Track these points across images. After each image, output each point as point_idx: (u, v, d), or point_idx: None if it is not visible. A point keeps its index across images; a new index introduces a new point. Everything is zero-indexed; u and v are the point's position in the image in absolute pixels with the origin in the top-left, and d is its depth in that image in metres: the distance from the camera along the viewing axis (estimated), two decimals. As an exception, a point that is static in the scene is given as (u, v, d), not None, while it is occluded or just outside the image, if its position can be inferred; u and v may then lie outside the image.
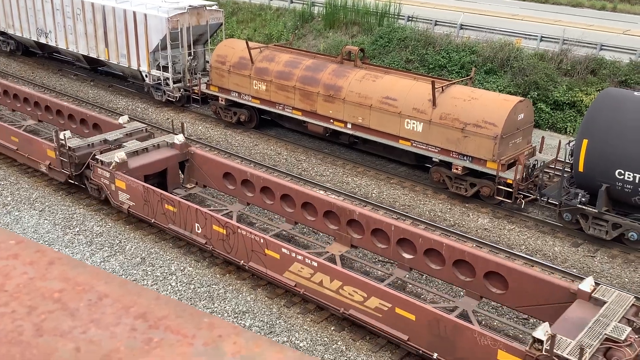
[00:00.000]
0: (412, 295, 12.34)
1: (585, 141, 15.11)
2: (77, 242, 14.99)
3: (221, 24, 25.52)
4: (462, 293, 12.78)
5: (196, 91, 23.72)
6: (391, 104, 18.26)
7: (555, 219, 16.48)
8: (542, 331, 9.07)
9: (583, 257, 15.18)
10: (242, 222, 14.96)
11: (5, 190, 17.56)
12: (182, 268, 14.02)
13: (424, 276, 13.73)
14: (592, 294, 10.45)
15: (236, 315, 12.48)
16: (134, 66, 24.71)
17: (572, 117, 23.13)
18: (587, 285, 10.61)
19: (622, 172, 14.64)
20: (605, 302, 10.25)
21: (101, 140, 16.58)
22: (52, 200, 17.02)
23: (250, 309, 12.66)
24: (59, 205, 16.75)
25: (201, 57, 25.18)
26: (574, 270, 14.58)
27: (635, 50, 24.11)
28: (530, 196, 16.81)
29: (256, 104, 21.85)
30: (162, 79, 24.13)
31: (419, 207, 17.52)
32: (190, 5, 23.79)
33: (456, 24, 28.39)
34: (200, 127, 23.16)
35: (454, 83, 18.25)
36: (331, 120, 19.86)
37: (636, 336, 9.43)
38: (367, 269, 13.95)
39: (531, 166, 17.12)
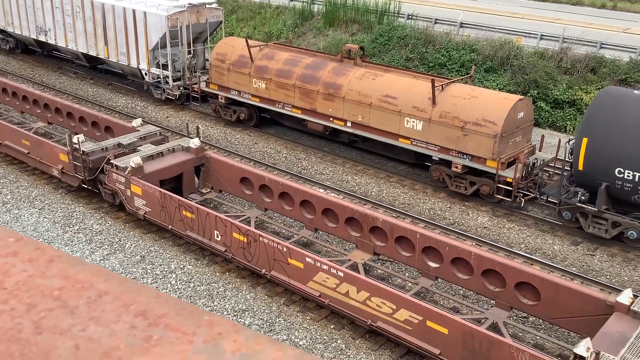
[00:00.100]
0: (439, 306, 12.04)
1: (585, 140, 15.11)
2: (76, 240, 14.99)
3: (221, 22, 25.50)
4: (490, 303, 12.37)
5: (196, 89, 23.70)
6: (391, 103, 18.25)
7: (554, 218, 16.48)
8: (584, 347, 8.62)
9: (582, 256, 15.18)
10: (260, 228, 14.69)
11: (5, 188, 17.55)
12: (181, 266, 14.02)
13: (451, 286, 13.33)
14: (631, 307, 10.00)
15: (236, 313, 12.48)
16: (134, 64, 24.69)
17: (572, 116, 23.13)
18: (625, 297, 10.19)
19: (622, 170, 14.64)
20: None
21: (115, 144, 16.19)
22: (52, 198, 17.01)
23: (250, 307, 12.66)
24: (58, 203, 16.74)
25: (201, 55, 25.16)
26: (574, 268, 14.59)
27: (635, 49, 24.10)
28: (529, 195, 16.81)
29: (256, 102, 21.84)
30: (161, 77, 24.11)
31: (419, 205, 17.52)
32: (189, 3, 23.77)
33: (456, 22, 28.38)
34: (200, 126, 23.12)
35: (453, 81, 18.25)
36: (331, 119, 19.85)
37: None
38: (391, 278, 13.61)
39: (531, 165, 17.12)
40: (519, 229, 16.34)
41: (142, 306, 1.64)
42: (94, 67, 29.01)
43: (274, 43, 23.49)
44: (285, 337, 11.84)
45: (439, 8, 32.61)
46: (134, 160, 14.68)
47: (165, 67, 23.86)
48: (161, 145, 16.22)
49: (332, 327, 12.17)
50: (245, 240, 12.80)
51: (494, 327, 11.23)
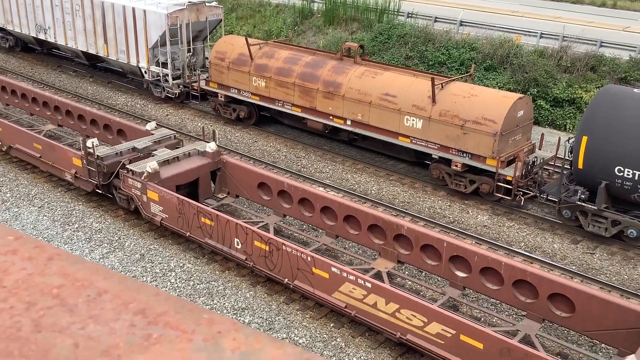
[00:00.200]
0: (471, 318, 11.71)
1: (584, 138, 15.11)
2: (76, 238, 14.98)
3: (220, 20, 25.49)
4: (520, 315, 12.12)
5: (195, 87, 23.69)
6: (391, 101, 18.25)
7: (554, 216, 16.49)
8: None
9: (582, 254, 15.19)
10: (279, 234, 14.36)
11: (5, 186, 17.54)
12: (181, 264, 14.03)
13: (479, 296, 13.00)
14: None
15: (235, 311, 12.49)
16: (133, 62, 24.68)
17: (571, 114, 23.12)
18: None
19: (622, 169, 14.64)
20: None
21: (129, 148, 15.83)
22: (51, 196, 17.01)
23: (249, 306, 12.67)
24: (58, 201, 16.74)
25: (200, 54, 25.14)
26: (573, 267, 14.59)
27: (635, 47, 24.10)
28: (529, 193, 16.81)
29: (255, 100, 21.83)
30: (161, 75, 24.10)
31: (419, 203, 17.52)
32: (189, 2, 23.75)
33: (456, 20, 28.37)
34: (199, 124, 23.13)
35: (453, 80, 18.24)
36: (331, 117, 19.84)
37: None
38: (416, 287, 13.26)
39: (531, 163, 17.12)
40: (519, 228, 16.35)
41: (141, 304, 1.64)
42: (93, 66, 29.00)
43: (274, 41, 23.48)
44: (284, 335, 11.84)
45: (439, 6, 32.59)
46: (151, 165, 14.26)
47: (165, 65, 23.85)
48: (177, 149, 15.85)
49: (331, 325, 12.18)
50: (267, 249, 12.43)
51: (527, 340, 10.87)
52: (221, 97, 22.80)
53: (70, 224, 15.62)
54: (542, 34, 26.22)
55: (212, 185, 15.95)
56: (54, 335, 1.53)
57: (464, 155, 17.14)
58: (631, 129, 14.61)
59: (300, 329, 12.02)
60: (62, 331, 1.54)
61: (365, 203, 17.02)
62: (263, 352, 1.50)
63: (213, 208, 14.18)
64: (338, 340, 11.77)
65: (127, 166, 14.76)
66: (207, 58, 24.71)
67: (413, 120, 17.88)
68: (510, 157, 16.88)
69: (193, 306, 1.65)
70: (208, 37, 25.41)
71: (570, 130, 22.66)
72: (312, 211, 14.30)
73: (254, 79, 21.50)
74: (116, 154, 15.56)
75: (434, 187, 18.41)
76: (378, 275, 12.54)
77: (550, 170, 18.47)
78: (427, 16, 29.26)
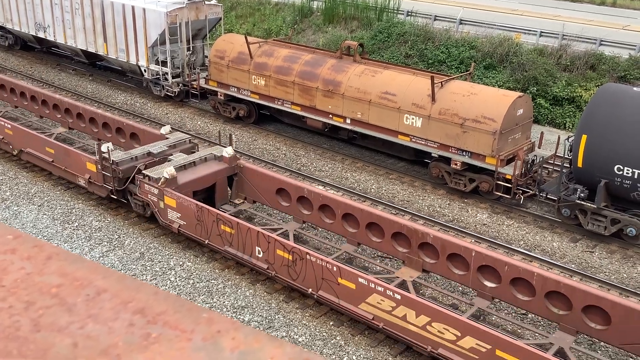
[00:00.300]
0: (506, 333, 11.34)
1: (584, 137, 15.11)
2: (76, 237, 14.98)
3: (220, 19, 25.47)
4: (552, 326, 11.87)
5: (195, 86, 23.68)
6: (390, 99, 18.24)
7: (554, 215, 16.49)
8: None
9: (582, 253, 15.20)
10: (298, 241, 14.03)
11: (4, 185, 17.54)
12: (181, 263, 14.03)
13: (508, 306, 12.68)
14: None
15: (235, 310, 12.49)
16: (133, 61, 24.67)
17: (571, 113, 23.12)
18: None
19: (621, 167, 14.65)
20: None
21: (145, 153, 15.47)
22: (51, 195, 17.01)
23: (249, 304, 12.67)
24: (57, 200, 16.74)
25: (200, 52, 25.13)
26: (573, 265, 14.60)
27: (635, 46, 24.10)
28: (529, 192, 16.81)
29: (255, 99, 21.82)
30: (160, 73, 24.09)
31: (418, 202, 17.52)
32: (189, 0, 23.73)
33: (455, 19, 28.35)
34: (199, 122, 23.13)
35: (453, 78, 18.24)
36: (330, 116, 19.84)
37: None
38: (443, 297, 12.91)
39: (530, 162, 17.12)
40: (518, 226, 16.35)
41: (140, 303, 1.64)
42: (93, 64, 28.98)
43: (273, 40, 23.46)
44: (284, 333, 11.85)
45: (439, 5, 32.58)
46: (168, 171, 13.89)
47: (164, 63, 23.84)
48: (193, 154, 15.54)
49: (331, 323, 12.18)
50: (291, 258, 12.05)
51: (561, 354, 10.63)
52: (221, 95, 22.79)
53: (70, 223, 15.62)
54: (541, 32, 26.21)
55: (229, 190, 15.60)
56: (53, 334, 1.52)
57: (464, 153, 17.14)
58: (630, 128, 14.61)
59: (299, 327, 12.03)
60: (61, 330, 1.54)
61: (365, 201, 17.03)
62: (262, 351, 1.50)
63: (230, 214, 13.82)
64: (337, 338, 11.78)
65: (143, 171, 14.45)
66: (206, 56, 24.70)
67: (413, 118, 17.88)
68: (510, 155, 16.89)
69: (192, 305, 1.65)
70: (207, 36, 25.39)
71: (569, 129, 22.66)
72: (333, 218, 13.94)
73: (254, 78, 21.49)
74: (131, 158, 15.18)
75: (433, 186, 18.42)
76: (403, 285, 12.24)
77: (549, 169, 18.47)
78: (426, 14, 29.25)
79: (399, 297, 10.63)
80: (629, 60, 23.11)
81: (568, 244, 15.60)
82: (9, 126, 18.11)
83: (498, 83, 23.71)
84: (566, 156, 16.38)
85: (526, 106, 17.39)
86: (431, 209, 17.19)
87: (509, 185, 16.58)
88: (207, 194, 15.01)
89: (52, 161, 16.85)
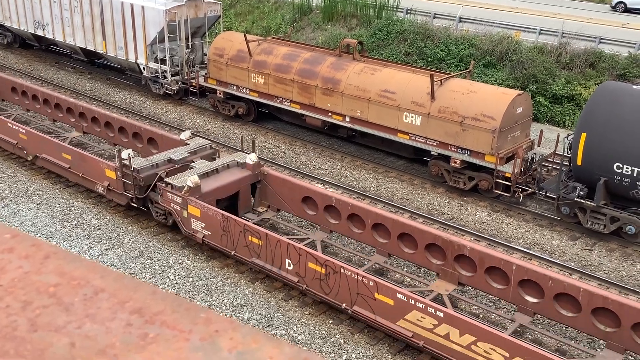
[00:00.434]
0: (554, 353, 10.88)
1: (583, 135, 15.10)
2: (75, 235, 14.96)
3: (219, 17, 25.43)
4: (598, 343, 11.58)
5: (194, 84, 23.65)
6: (390, 97, 18.22)
7: (553, 213, 16.49)
8: None
9: (581, 251, 15.19)
10: (325, 251, 13.70)
11: (3, 183, 17.51)
12: (180, 261, 14.01)
13: (551, 322, 12.27)
14: None
15: (234, 308, 12.48)
16: (132, 59, 24.63)
17: (570, 111, 23.10)
18: None
19: (621, 165, 14.64)
20: None
21: (165, 160, 15.00)
22: (50, 193, 16.98)
23: (248, 302, 12.66)
24: (56, 198, 16.71)
25: (199, 50, 25.10)
26: (572, 263, 14.60)
27: (634, 44, 24.07)
28: (528, 190, 16.80)
29: (254, 97, 21.80)
30: (159, 71, 24.05)
31: (417, 200, 17.51)
32: (188, -2, 23.71)
33: (455, 16, 28.31)
34: (198, 121, 23.11)
35: (452, 76, 18.21)
36: (329, 114, 19.82)
37: None
38: (481, 312, 12.50)
39: (529, 160, 17.11)
40: (518, 224, 16.35)
41: (138, 303, 1.63)
42: (92, 62, 28.93)
43: (273, 38, 23.43)
44: (283, 332, 11.84)
45: (438, 3, 32.53)
46: (192, 179, 13.46)
47: (163, 61, 23.80)
48: (215, 160, 15.14)
49: (330, 322, 12.17)
50: (323, 272, 11.59)
51: None
52: (220, 93, 22.75)
53: (69, 221, 15.60)
54: (541, 30, 26.18)
55: (252, 198, 15.18)
56: (50, 334, 1.52)
57: (463, 151, 17.13)
58: (630, 126, 14.60)
59: (299, 326, 12.02)
60: (58, 330, 1.53)
61: (364, 200, 17.01)
62: (260, 351, 1.49)
63: (254, 223, 13.41)
64: (337, 336, 11.77)
65: (165, 179, 14.06)
66: (205, 54, 24.66)
67: (412, 116, 17.86)
68: (509, 153, 16.87)
69: (190, 305, 1.64)
70: (207, 34, 25.36)
71: (569, 127, 22.65)
72: (362, 228, 13.50)
73: (253, 76, 21.46)
74: (152, 165, 14.72)
75: (432, 184, 18.41)
76: (439, 299, 11.93)
77: (549, 167, 18.46)
78: (426, 12, 29.21)
79: (441, 314, 10.16)
80: (629, 58, 23.09)
81: (567, 242, 15.60)
82: (24, 131, 17.57)
83: (497, 81, 23.69)
84: (565, 154, 16.36)
85: (525, 104, 17.37)
86: (430, 207, 17.18)
87: (509, 184, 16.57)
88: (229, 201, 14.57)
89: (69, 167, 16.40)
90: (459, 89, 17.33)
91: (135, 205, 14.96)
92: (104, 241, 14.73)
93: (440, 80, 17.61)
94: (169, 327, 1.41)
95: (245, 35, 21.61)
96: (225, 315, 12.13)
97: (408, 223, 12.79)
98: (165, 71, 23.87)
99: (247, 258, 13.00)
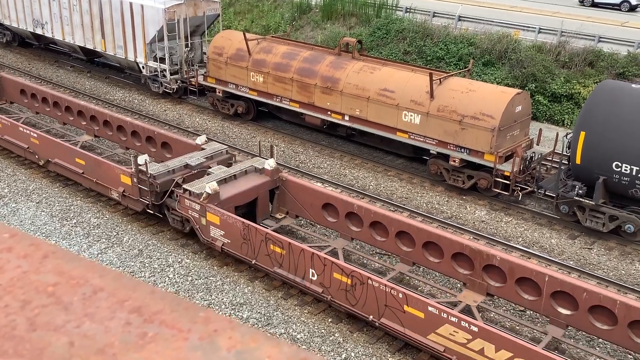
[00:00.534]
0: None
1: (582, 133, 15.11)
2: (74, 234, 14.97)
3: (218, 15, 25.43)
4: (636, 357, 11.31)
5: (193, 83, 23.65)
6: (389, 96, 18.23)
7: (552, 211, 16.50)
8: None
9: (580, 250, 15.21)
10: (347, 260, 13.39)
11: (2, 182, 17.51)
12: (179, 260, 14.02)
13: (584, 334, 11.89)
14: None
15: (234, 307, 12.49)
16: (131, 57, 24.62)
17: (569, 110, 23.12)
18: None
19: (620, 164, 14.65)
20: None
21: (182, 165, 14.67)
22: (49, 192, 16.99)
23: (247, 301, 12.67)
24: (56, 197, 16.72)
25: (198, 49, 25.10)
26: (571, 262, 14.62)
27: (633, 43, 24.10)
28: (527, 188, 16.82)
29: (253, 95, 21.80)
30: (159, 70, 24.05)
31: (417, 199, 17.53)
32: (187, -4, 23.71)
33: (454, 15, 28.33)
34: (197, 119, 23.11)
35: (451, 75, 18.22)
36: (329, 112, 19.82)
37: None
38: (507, 322, 12.19)
39: (528, 158, 17.13)
40: (517, 223, 16.37)
41: (137, 302, 1.63)
42: (91, 61, 28.92)
43: (272, 36, 23.43)
44: (283, 330, 11.85)
45: (437, 1, 32.54)
46: (210, 185, 13.11)
47: (162, 60, 23.80)
48: (233, 166, 14.83)
49: (329, 320, 12.19)
50: (349, 282, 11.22)
51: None
52: (219, 92, 22.76)
53: (69, 220, 15.60)
54: (540, 29, 26.20)
55: (270, 204, 14.89)
56: (49, 333, 1.52)
57: (462, 150, 17.14)
58: (629, 125, 14.61)
59: (298, 324, 12.03)
60: (57, 330, 1.53)
61: (363, 198, 17.02)
62: (259, 350, 1.49)
63: (273, 230, 13.13)
64: (336, 335, 11.78)
65: (183, 186, 13.70)
66: (204, 53, 24.66)
67: (411, 115, 17.87)
68: (508, 152, 16.89)
69: (189, 304, 1.64)
70: (206, 32, 25.36)
71: (568, 126, 22.66)
72: (385, 236, 13.15)
73: (252, 74, 21.46)
74: (168, 171, 14.40)
75: (432, 183, 18.42)
76: (467, 310, 11.55)
77: (548, 166, 18.48)
78: (425, 11, 29.22)
79: (475, 329, 9.79)
80: (628, 57, 23.11)
81: (566, 240, 15.61)
82: (35, 135, 17.25)
83: (497, 80, 23.70)
84: (564, 153, 16.39)
85: (525, 103, 17.39)
86: (430, 205, 17.20)
87: (508, 182, 16.59)
88: (247, 208, 14.26)
89: (82, 173, 16.06)
90: (458, 87, 17.34)
91: (151, 212, 14.69)
92: (103, 240, 14.74)
93: (440, 79, 17.61)
94: (167, 326, 1.42)
95: (244, 34, 21.61)
96: (225, 314, 12.15)
97: (434, 232, 12.46)
98: (165, 70, 23.87)
99: (268, 268, 12.66)
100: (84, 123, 19.10)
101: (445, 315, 10.10)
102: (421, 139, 17.91)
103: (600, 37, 24.67)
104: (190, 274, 13.55)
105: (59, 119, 20.12)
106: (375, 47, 27.08)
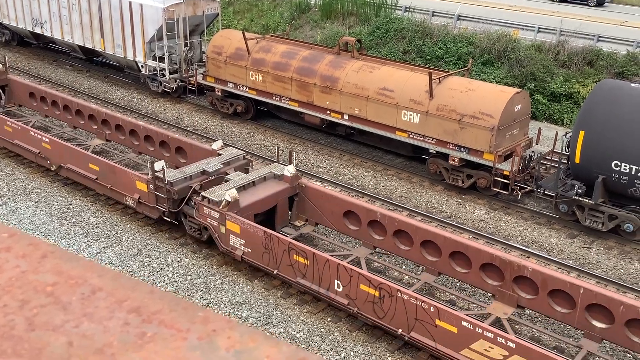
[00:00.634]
0: None
1: (582, 133, 15.11)
2: (73, 233, 14.96)
3: (217, 15, 25.42)
4: None
5: (192, 82, 23.64)
6: (388, 95, 18.23)
7: (551, 211, 16.51)
8: None
9: (579, 249, 15.22)
10: (369, 269, 13.10)
11: (1, 181, 17.50)
12: (178, 259, 14.02)
13: (620, 348, 11.60)
14: None
15: (233, 306, 12.49)
16: (130, 57, 24.61)
17: (569, 109, 23.12)
18: None
19: (619, 163, 14.66)
20: None
21: (199, 172, 14.36)
22: (48, 191, 16.98)
23: (247, 300, 12.67)
24: (55, 196, 16.71)
25: (197, 48, 25.09)
26: (570, 261, 14.63)
27: (633, 42, 24.10)
28: (526, 188, 16.83)
29: (253, 95, 21.79)
30: (158, 69, 24.04)
31: (416, 198, 17.53)
32: (186, -4, 23.70)
33: (453, 14, 28.32)
34: (196, 119, 23.10)
35: (451, 74, 18.22)
36: (328, 112, 19.82)
37: None
38: (539, 334, 11.92)
39: (528, 158, 17.13)
40: (516, 222, 16.37)
41: (136, 302, 1.63)
42: (90, 60, 28.91)
43: (271, 35, 23.42)
44: (282, 329, 11.85)
45: (437, 1, 32.53)
46: (230, 193, 12.80)
47: (161, 59, 23.79)
48: (250, 172, 14.55)
49: (329, 319, 12.19)
50: (377, 294, 10.94)
51: None
52: (218, 91, 22.75)
53: (68, 219, 15.60)
54: (539, 28, 26.20)
55: (289, 212, 14.57)
56: (48, 333, 1.52)
57: (461, 149, 17.14)
58: (628, 124, 14.61)
59: (297, 324, 12.03)
60: (55, 329, 1.53)
61: (362, 197, 17.02)
62: (258, 350, 1.49)
63: (293, 238, 12.86)
64: (335, 334, 11.79)
65: (202, 193, 13.38)
66: (204, 52, 24.65)
67: (410, 114, 17.87)
68: (508, 151, 16.89)
69: (188, 304, 1.64)
70: (205, 31, 25.35)
71: (567, 125, 22.67)
72: (409, 245, 12.86)
73: (251, 74, 21.45)
74: (185, 178, 14.09)
75: (431, 182, 18.42)
76: (498, 323, 11.29)
77: (547, 165, 18.48)
78: (424, 10, 29.22)
79: (513, 345, 9.46)
80: (627, 56, 23.12)
81: (565, 240, 15.62)
82: (47, 140, 16.87)
83: (496, 79, 23.70)
84: (564, 152, 16.40)
85: (524, 102, 17.39)
86: (429, 205, 17.20)
87: (507, 182, 16.60)
88: (265, 215, 13.95)
89: (96, 178, 15.72)
90: (458, 87, 17.34)
91: (168, 220, 14.42)
92: (103, 239, 14.73)
93: (439, 78, 17.62)
94: (166, 326, 1.42)
95: (243, 33, 21.60)
96: (224, 313, 12.14)
97: (462, 241, 12.17)
98: (164, 69, 23.85)
99: (291, 278, 12.37)
100: (95, 127, 18.76)
101: (480, 331, 9.76)
102: (420, 138, 17.91)
103: (600, 37, 24.67)
104: (189, 273, 13.54)
105: (69, 122, 19.74)
106: (375, 46, 27.08)
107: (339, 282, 11.49)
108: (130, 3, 23.61)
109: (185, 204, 14.00)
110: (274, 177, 14.32)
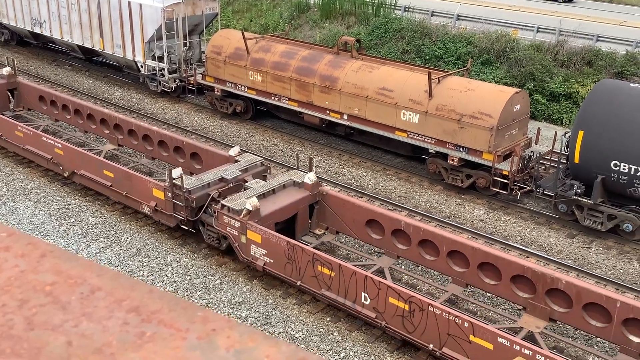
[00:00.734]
0: None
1: (581, 133, 15.12)
2: (72, 233, 14.96)
3: (217, 14, 25.41)
4: None
5: (192, 82, 23.64)
6: (387, 95, 18.23)
7: (550, 210, 16.52)
8: None
9: (578, 249, 15.22)
10: (393, 279, 12.73)
11: (0, 181, 17.49)
12: (178, 259, 14.01)
13: None
14: None
15: (232, 306, 12.49)
16: (129, 56, 24.60)
17: (568, 109, 23.13)
18: None
19: (618, 163, 14.66)
20: None
21: (217, 179, 13.99)
22: (48, 191, 16.97)
23: (246, 300, 12.67)
24: (54, 196, 16.70)
25: (197, 48, 25.08)
26: (569, 261, 14.63)
27: (632, 42, 24.12)
28: (525, 187, 16.83)
29: (252, 94, 21.79)
30: (157, 69, 24.03)
31: (415, 198, 17.53)
32: (185, -5, 23.69)
33: (453, 14, 28.33)
34: (196, 118, 23.10)
35: (450, 74, 18.22)
36: (327, 111, 19.82)
37: None
38: (576, 351, 11.54)
39: (527, 157, 17.14)
40: (515, 222, 16.38)
41: (135, 302, 1.63)
42: (89, 60, 28.91)
43: (270, 35, 23.42)
44: (281, 329, 11.85)
45: (436, 0, 32.54)
46: (251, 202, 12.46)
47: (161, 59, 23.78)
48: (271, 180, 14.21)
49: (328, 319, 12.19)
50: (407, 308, 10.58)
51: None
52: (217, 91, 22.74)
53: (67, 219, 15.59)
54: (538, 28, 26.21)
55: (309, 220, 14.27)
56: (47, 333, 1.52)
57: (461, 149, 17.15)
58: (627, 124, 14.62)
59: (297, 324, 12.03)
60: (55, 329, 1.53)
61: (362, 197, 17.03)
62: (258, 350, 1.49)
63: (313, 247, 12.55)
64: (335, 334, 11.79)
65: (222, 202, 13.05)
66: (203, 52, 24.64)
67: (410, 114, 17.87)
68: (507, 151, 16.90)
69: (187, 304, 1.64)
70: (204, 31, 25.34)
71: (566, 125, 22.67)
72: (435, 255, 12.50)
73: (251, 73, 21.45)
74: (203, 185, 13.75)
75: (430, 182, 18.43)
76: (530, 338, 10.92)
77: (546, 165, 18.48)
78: (423, 10, 29.23)
79: None
80: (626, 56, 23.13)
81: (565, 239, 15.63)
82: (60, 145, 16.52)
83: (495, 79, 23.71)
84: (563, 152, 16.39)
85: (523, 102, 17.40)
86: (428, 204, 17.20)
87: (506, 181, 16.60)
88: (285, 223, 13.61)
89: (111, 185, 15.38)
90: (457, 86, 17.34)
91: (186, 228, 14.14)
92: (102, 239, 14.73)
93: (438, 78, 17.62)
94: (166, 325, 1.41)
95: (242, 33, 21.59)
96: (223, 313, 12.14)
97: (492, 252, 11.82)
98: (163, 69, 23.85)
99: (315, 290, 12.02)
100: (107, 132, 18.43)
101: (517, 348, 9.39)
102: (420, 138, 17.91)
103: (599, 36, 24.68)
104: (188, 273, 13.54)
105: (80, 127, 19.39)
106: (374, 46, 27.08)
107: (366, 294, 11.15)
108: (129, 3, 23.60)
109: (204, 212, 13.73)
110: (293, 184, 13.98)
